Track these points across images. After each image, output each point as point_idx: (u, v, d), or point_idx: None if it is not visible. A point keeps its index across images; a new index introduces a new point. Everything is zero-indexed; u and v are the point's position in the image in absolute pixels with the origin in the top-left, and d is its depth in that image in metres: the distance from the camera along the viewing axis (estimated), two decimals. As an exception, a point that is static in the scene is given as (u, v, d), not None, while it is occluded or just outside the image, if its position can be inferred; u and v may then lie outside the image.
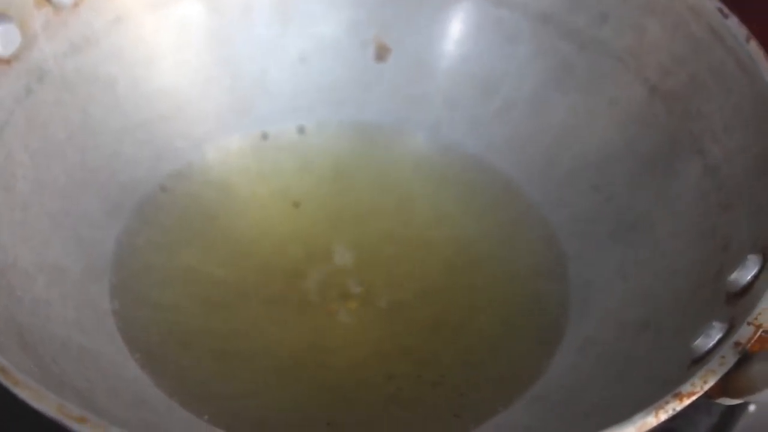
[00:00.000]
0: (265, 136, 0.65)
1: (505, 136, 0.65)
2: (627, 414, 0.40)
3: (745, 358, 0.42)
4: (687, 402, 0.40)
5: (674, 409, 0.40)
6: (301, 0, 0.66)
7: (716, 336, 0.44)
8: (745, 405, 0.55)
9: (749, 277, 0.46)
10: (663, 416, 0.39)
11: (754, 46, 0.53)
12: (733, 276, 0.47)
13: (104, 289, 0.55)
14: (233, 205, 0.62)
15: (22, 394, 0.37)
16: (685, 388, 0.40)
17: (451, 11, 0.66)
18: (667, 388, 0.42)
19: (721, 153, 0.54)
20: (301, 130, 0.66)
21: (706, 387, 0.41)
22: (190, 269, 0.58)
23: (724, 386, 0.42)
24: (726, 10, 0.55)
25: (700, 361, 0.44)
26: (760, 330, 0.42)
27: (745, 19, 0.54)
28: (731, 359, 0.42)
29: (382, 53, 0.66)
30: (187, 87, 0.63)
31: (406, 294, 0.59)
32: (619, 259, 0.57)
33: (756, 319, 0.43)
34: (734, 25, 0.54)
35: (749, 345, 0.42)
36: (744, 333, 0.42)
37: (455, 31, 0.66)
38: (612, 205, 0.59)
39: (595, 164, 0.61)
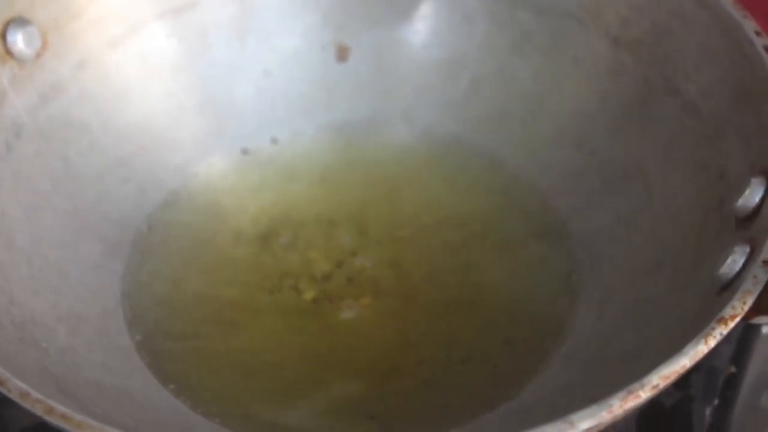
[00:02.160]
0: (245, 152, 0.65)
1: (479, 113, 0.66)
2: (665, 354, 0.41)
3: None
4: (732, 325, 0.41)
5: (721, 334, 0.41)
6: (254, 15, 0.65)
7: (740, 260, 0.45)
8: (758, 328, 0.56)
9: (758, 199, 0.47)
10: (712, 342, 0.40)
11: (709, -19, 0.54)
12: (740, 202, 0.48)
13: (122, 328, 0.55)
14: (227, 224, 0.63)
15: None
16: (727, 311, 0.41)
17: (404, 1, 0.66)
18: (703, 319, 0.42)
19: (697, 90, 0.55)
20: (276, 141, 0.66)
21: (746, 308, 0.42)
22: (198, 294, 0.58)
23: (758, 305, 0.43)
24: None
25: (729, 286, 0.45)
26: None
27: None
28: (763, 277, 0.42)
29: (342, 53, 0.67)
30: (159, 117, 0.63)
31: (415, 281, 0.60)
32: (616, 208, 0.58)
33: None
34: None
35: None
36: (769, 251, 0.43)
37: (411, 20, 0.67)
38: (597, 159, 0.60)
39: (573, 123, 0.62)
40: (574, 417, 0.37)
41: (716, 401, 0.55)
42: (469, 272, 0.60)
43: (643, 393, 0.38)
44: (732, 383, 0.54)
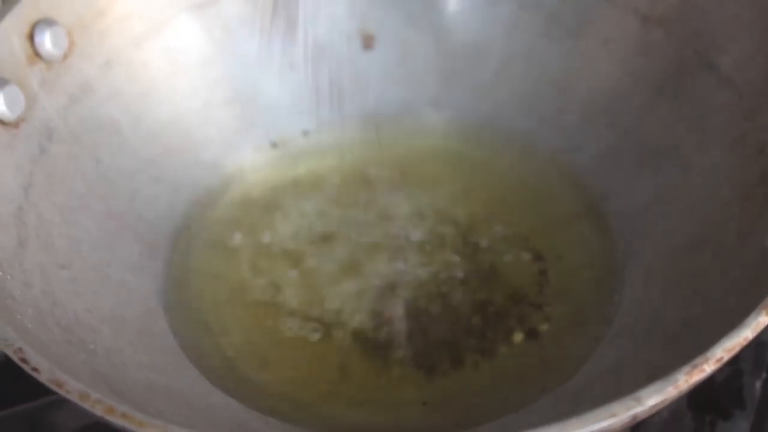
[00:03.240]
0: (275, 145, 0.65)
1: (509, 96, 0.66)
2: (715, 329, 0.40)
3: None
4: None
5: (785, 304, 0.40)
6: (278, 7, 0.65)
7: (790, 231, 0.44)
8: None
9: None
10: (775, 313, 0.40)
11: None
12: (786, 176, 0.47)
13: (165, 327, 0.54)
14: (261, 219, 0.61)
15: (150, 433, 0.36)
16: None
17: (428, -15, 0.65)
18: (756, 291, 0.42)
19: (732, 62, 0.55)
20: (306, 133, 0.66)
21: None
22: (238, 290, 0.58)
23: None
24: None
25: (782, 257, 0.44)
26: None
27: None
28: (817, 246, 0.42)
29: (368, 42, 0.67)
30: (188, 114, 0.63)
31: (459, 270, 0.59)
32: (653, 186, 0.58)
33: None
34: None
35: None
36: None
37: (435, 5, 0.66)
38: (631, 137, 0.60)
39: (605, 103, 0.62)
40: (642, 393, 0.36)
41: (765, 374, 0.55)
42: (511, 258, 0.60)
43: (707, 366, 0.38)
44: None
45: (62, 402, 0.50)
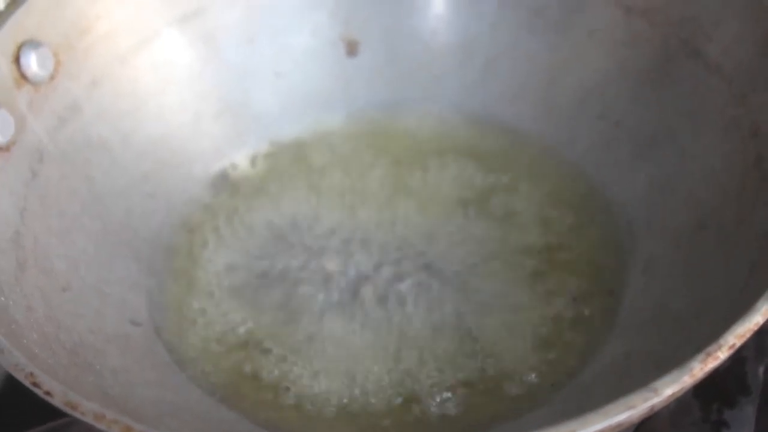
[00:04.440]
0: (267, 155, 0.66)
1: (498, 92, 0.66)
2: (724, 310, 0.40)
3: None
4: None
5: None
6: (261, 17, 0.65)
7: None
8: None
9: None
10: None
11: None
12: (782, 153, 0.48)
13: (165, 345, 0.54)
14: (258, 231, 0.61)
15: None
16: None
17: (408, -12, 0.66)
18: (763, 273, 0.42)
19: (719, 49, 0.55)
20: (296, 140, 0.66)
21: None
22: (242, 307, 0.58)
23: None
24: None
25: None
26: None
27: None
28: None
29: (352, 48, 0.67)
30: (177, 128, 0.63)
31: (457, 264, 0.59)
32: (649, 174, 0.58)
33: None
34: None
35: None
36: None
37: (418, 6, 0.66)
38: (623, 128, 0.60)
39: (594, 94, 0.62)
40: (658, 384, 0.36)
41: (767, 361, 0.55)
42: (505, 251, 0.59)
43: (721, 354, 0.38)
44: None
45: (67, 426, 0.50)
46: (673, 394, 0.37)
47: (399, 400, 0.52)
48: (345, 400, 0.52)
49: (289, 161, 0.66)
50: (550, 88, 0.64)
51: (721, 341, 0.38)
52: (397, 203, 0.63)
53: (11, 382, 0.50)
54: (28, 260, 0.50)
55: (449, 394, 0.52)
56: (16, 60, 0.54)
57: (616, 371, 0.49)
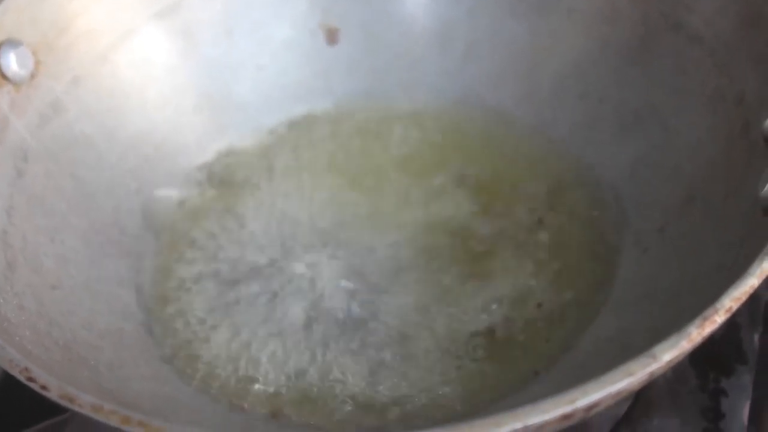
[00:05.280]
0: (250, 146, 0.66)
1: (480, 76, 0.66)
2: (716, 284, 0.40)
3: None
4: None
5: (783, 250, 0.40)
6: (238, 9, 0.64)
7: (781, 178, 0.45)
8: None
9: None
10: (776, 260, 0.40)
11: None
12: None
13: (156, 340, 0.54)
14: (247, 225, 0.61)
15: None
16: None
17: (384, -25, 0.65)
18: (754, 240, 0.42)
19: (700, 20, 0.56)
20: (277, 131, 0.67)
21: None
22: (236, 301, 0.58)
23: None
24: None
25: (774, 206, 0.44)
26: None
27: None
28: (813, 191, 0.42)
29: (332, 36, 0.67)
30: (160, 123, 0.62)
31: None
32: (635, 150, 0.58)
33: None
34: None
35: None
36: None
37: (395, -7, 0.66)
38: (606, 105, 0.60)
39: (576, 74, 0.62)
40: (656, 350, 0.36)
41: (761, 328, 0.55)
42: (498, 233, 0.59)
43: (718, 317, 0.38)
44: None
45: (62, 424, 0.50)
46: (671, 359, 0.37)
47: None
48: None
49: (270, 152, 0.65)
50: (531, 69, 0.64)
51: (718, 305, 0.38)
52: (383, 192, 0.62)
53: (5, 383, 0.50)
54: (17, 259, 0.50)
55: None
56: (-5, 60, 0.53)
57: (610, 347, 0.49)
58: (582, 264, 0.56)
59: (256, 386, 0.53)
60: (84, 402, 0.37)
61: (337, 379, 0.52)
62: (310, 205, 0.62)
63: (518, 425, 0.34)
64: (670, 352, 0.36)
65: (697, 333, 0.37)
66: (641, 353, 0.36)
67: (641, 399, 0.51)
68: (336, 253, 0.59)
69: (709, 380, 0.53)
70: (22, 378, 0.39)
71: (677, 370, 0.52)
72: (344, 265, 0.58)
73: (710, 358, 0.53)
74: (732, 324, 0.54)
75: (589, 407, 0.35)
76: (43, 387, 0.38)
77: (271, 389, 0.52)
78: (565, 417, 0.35)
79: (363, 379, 0.52)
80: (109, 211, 0.58)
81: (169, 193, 0.62)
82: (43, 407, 0.45)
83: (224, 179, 0.63)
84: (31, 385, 0.38)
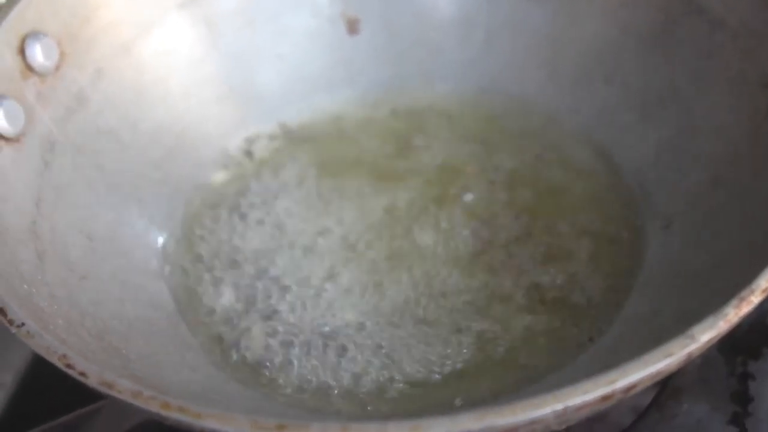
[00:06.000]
0: (273, 137, 0.67)
1: (501, 64, 0.66)
2: (747, 263, 0.40)
3: None
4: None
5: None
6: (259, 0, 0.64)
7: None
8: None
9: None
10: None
11: None
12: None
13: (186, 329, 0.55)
14: (270, 215, 0.61)
15: (210, 423, 0.36)
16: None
17: (406, -36, 0.65)
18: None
19: (721, 4, 0.55)
20: (301, 121, 0.68)
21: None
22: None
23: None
24: None
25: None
26: None
27: None
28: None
29: (353, 26, 0.67)
30: (184, 114, 0.63)
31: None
32: (659, 134, 0.58)
33: None
34: None
35: None
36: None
37: (416, -20, 0.66)
38: (629, 90, 0.61)
39: (597, 60, 0.62)
40: (695, 330, 0.37)
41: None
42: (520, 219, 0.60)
43: (754, 297, 0.38)
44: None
45: (93, 413, 0.50)
46: (710, 340, 0.37)
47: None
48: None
49: (295, 142, 0.65)
50: (552, 56, 0.64)
51: (754, 285, 0.38)
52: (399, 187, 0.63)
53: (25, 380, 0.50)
54: (46, 250, 0.50)
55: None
56: (21, 51, 0.54)
57: (641, 330, 0.49)
58: (609, 250, 0.56)
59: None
60: (123, 388, 0.37)
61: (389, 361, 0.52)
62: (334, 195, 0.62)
63: (559, 406, 0.34)
64: (709, 333, 0.36)
65: (734, 313, 0.37)
66: (675, 335, 0.36)
67: (670, 384, 0.51)
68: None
69: (737, 364, 0.52)
70: (60, 365, 0.39)
71: (705, 356, 0.52)
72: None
73: (737, 342, 0.53)
74: (757, 308, 0.54)
75: (628, 388, 0.36)
76: (82, 374, 0.38)
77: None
78: (605, 398, 0.35)
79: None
80: (135, 202, 0.58)
81: (195, 182, 0.61)
82: (61, 403, 0.45)
83: (247, 168, 0.63)
84: (70, 372, 0.39)
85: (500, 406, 0.34)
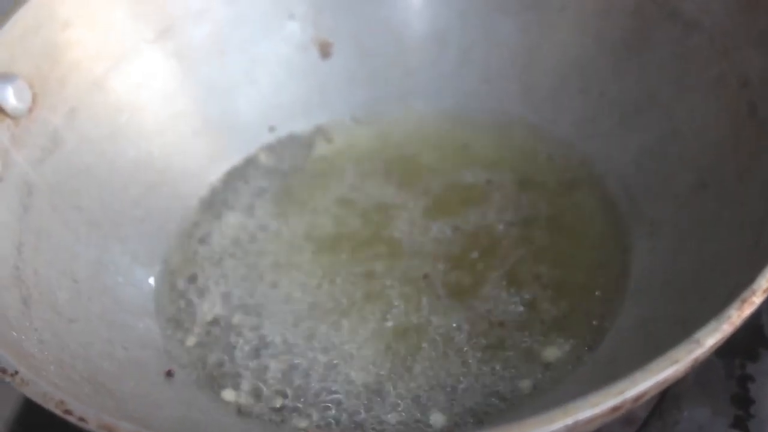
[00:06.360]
0: (250, 165, 0.66)
1: (475, 80, 0.66)
2: (739, 266, 0.40)
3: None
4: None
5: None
6: (229, 29, 0.64)
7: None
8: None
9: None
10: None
11: None
12: (777, 101, 0.48)
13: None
14: (254, 245, 0.61)
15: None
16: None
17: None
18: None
19: (695, 7, 0.55)
20: (276, 148, 0.67)
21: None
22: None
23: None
24: None
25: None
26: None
27: None
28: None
29: (325, 49, 0.66)
30: (160, 149, 0.62)
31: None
32: (639, 141, 0.58)
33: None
34: None
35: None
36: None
37: (386, 1, 0.66)
38: (606, 99, 0.60)
39: (573, 70, 0.62)
40: (699, 335, 0.36)
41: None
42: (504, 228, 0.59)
43: (756, 298, 0.38)
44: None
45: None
46: (715, 343, 0.36)
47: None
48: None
49: (271, 171, 0.65)
50: (527, 68, 0.64)
51: (755, 286, 0.38)
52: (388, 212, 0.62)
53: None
54: (32, 295, 0.49)
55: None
56: (-6, 95, 0.52)
57: (636, 338, 0.49)
58: (596, 255, 0.55)
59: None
60: (124, 431, 0.36)
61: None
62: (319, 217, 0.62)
63: (569, 421, 0.34)
64: (713, 336, 0.36)
65: (737, 315, 0.37)
66: (673, 341, 0.36)
67: (670, 393, 0.51)
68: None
69: (735, 367, 0.52)
70: (58, 411, 0.38)
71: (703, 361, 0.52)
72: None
73: (734, 345, 0.53)
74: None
75: (637, 397, 0.35)
76: (81, 419, 0.38)
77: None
78: (615, 409, 0.35)
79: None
80: (116, 241, 0.58)
81: (176, 218, 0.60)
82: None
83: (227, 202, 0.63)
84: (68, 418, 0.38)
85: (509, 424, 0.33)
